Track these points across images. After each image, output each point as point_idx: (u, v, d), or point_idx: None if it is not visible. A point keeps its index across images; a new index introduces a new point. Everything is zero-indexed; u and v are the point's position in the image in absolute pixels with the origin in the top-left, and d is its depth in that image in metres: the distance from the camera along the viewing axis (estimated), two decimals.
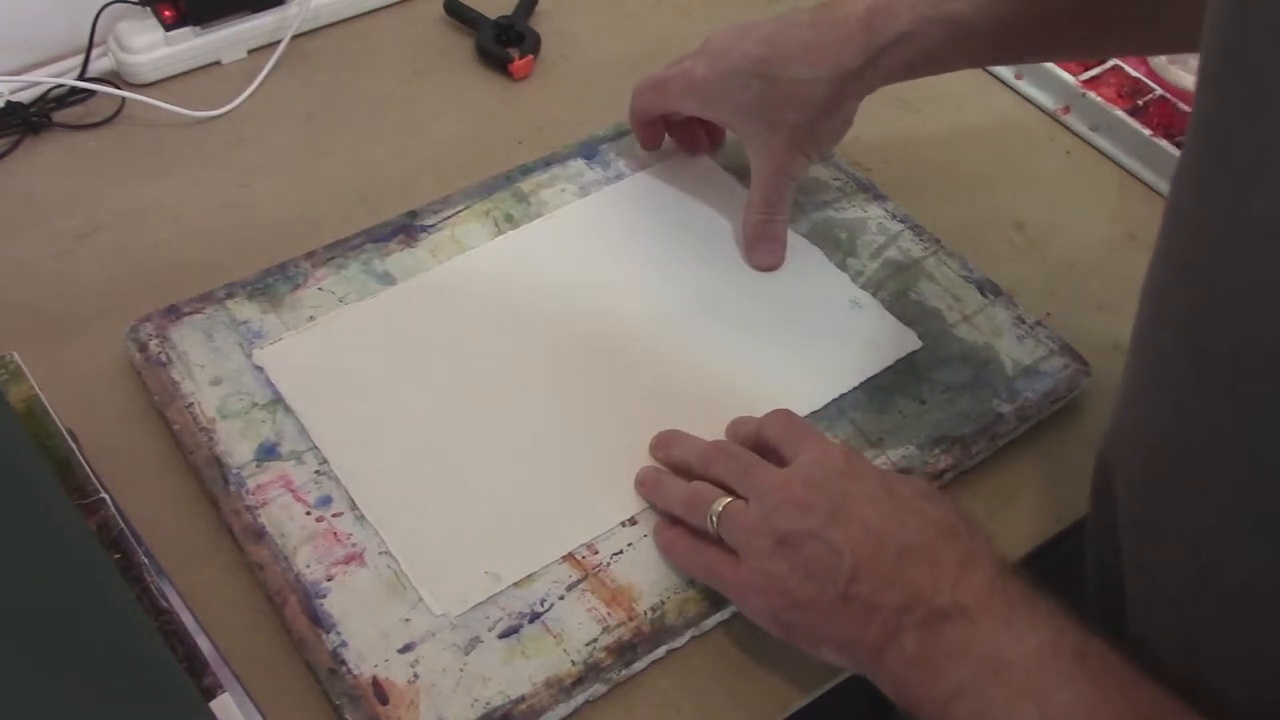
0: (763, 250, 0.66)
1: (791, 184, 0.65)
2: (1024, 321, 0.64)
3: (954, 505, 0.50)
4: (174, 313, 0.62)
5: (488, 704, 0.50)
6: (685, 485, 0.55)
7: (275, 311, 0.62)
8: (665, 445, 0.58)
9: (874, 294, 0.65)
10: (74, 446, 0.55)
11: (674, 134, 0.72)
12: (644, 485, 0.57)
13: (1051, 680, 0.43)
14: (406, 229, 0.67)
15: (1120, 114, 0.76)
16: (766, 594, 0.49)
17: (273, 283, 0.64)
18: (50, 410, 0.56)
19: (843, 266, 0.67)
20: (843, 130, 0.64)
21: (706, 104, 0.65)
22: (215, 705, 0.48)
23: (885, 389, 0.61)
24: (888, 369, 0.62)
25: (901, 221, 0.69)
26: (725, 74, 0.63)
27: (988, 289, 0.66)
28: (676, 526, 0.55)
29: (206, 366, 0.60)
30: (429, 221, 0.68)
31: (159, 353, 0.60)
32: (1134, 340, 0.46)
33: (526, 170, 0.71)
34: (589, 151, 0.72)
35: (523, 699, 0.50)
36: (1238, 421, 0.37)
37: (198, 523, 0.56)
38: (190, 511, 0.56)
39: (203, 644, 0.50)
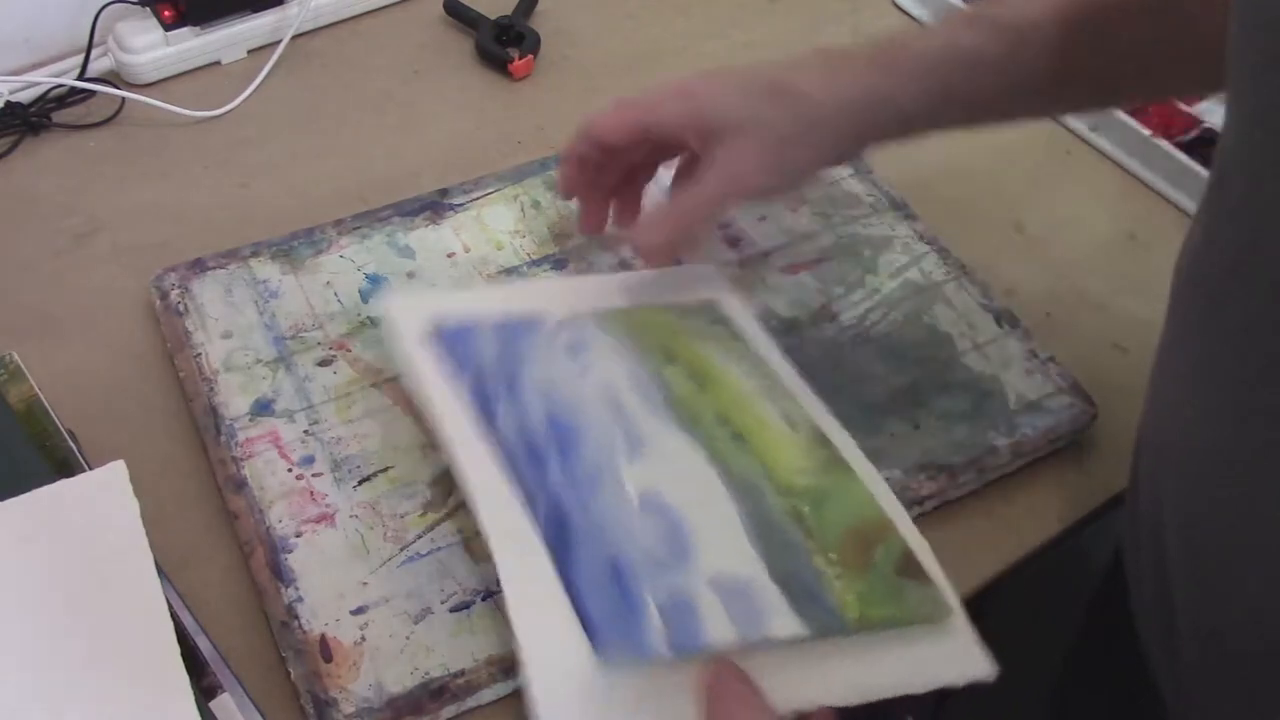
0: (653, 233, 0.57)
1: (732, 201, 0.58)
2: (1036, 356, 0.63)
3: None
4: (199, 266, 0.64)
5: (426, 674, 0.50)
6: None
7: (295, 273, 0.64)
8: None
9: (887, 314, 0.65)
10: (74, 446, 0.55)
11: (616, 199, 0.63)
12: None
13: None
14: (435, 206, 0.69)
15: (1120, 114, 0.76)
16: None
17: (297, 245, 0.66)
18: (50, 410, 0.56)
19: (860, 283, 0.66)
20: (803, 175, 0.58)
21: (696, 108, 0.57)
22: (215, 705, 0.48)
23: (878, 409, 0.60)
24: (884, 390, 0.61)
25: (929, 243, 0.68)
26: (730, 80, 0.57)
27: (1005, 319, 0.65)
28: None
29: (220, 320, 0.62)
30: (458, 200, 0.69)
31: (178, 302, 0.62)
32: (1179, 303, 0.46)
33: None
34: None
35: (461, 673, 0.50)
36: None
37: (198, 523, 0.56)
38: (190, 511, 0.56)
39: (202, 644, 0.50)
